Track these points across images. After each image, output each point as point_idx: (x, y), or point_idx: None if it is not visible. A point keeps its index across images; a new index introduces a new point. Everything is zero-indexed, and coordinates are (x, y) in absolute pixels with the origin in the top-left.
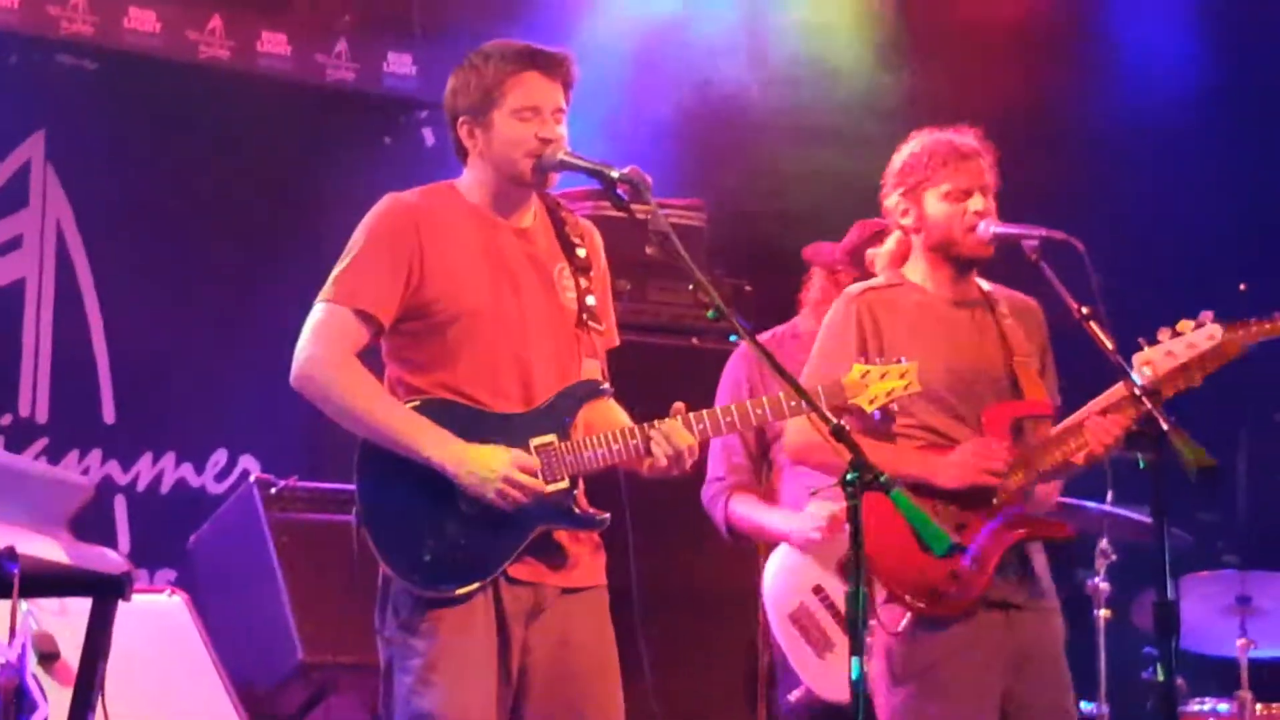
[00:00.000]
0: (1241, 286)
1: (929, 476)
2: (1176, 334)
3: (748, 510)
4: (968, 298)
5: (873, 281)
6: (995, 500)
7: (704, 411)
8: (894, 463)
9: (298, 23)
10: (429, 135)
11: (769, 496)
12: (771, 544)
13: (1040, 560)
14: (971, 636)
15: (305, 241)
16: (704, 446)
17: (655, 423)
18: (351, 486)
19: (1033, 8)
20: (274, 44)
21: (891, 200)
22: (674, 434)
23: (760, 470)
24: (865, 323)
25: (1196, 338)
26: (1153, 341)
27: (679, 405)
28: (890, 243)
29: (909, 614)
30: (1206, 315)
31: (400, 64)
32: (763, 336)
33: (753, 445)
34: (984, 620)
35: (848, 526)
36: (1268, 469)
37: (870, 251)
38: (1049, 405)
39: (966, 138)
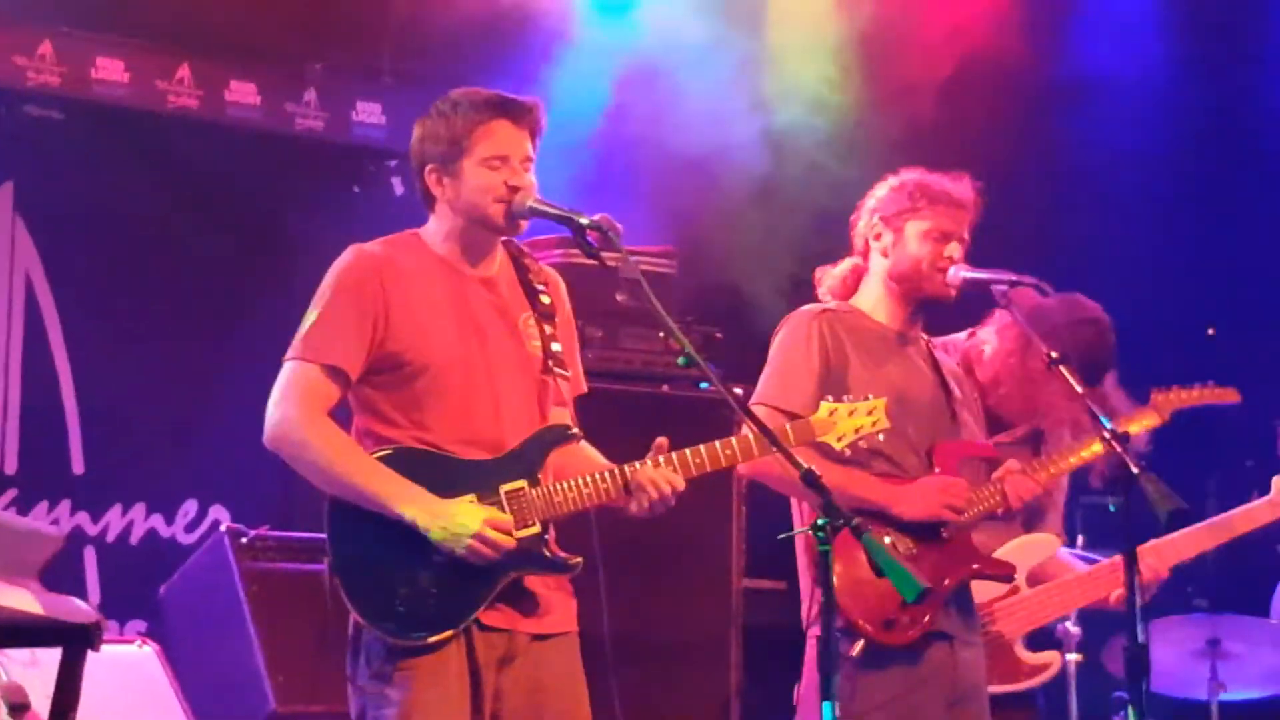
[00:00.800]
0: (1210, 331)
1: (889, 505)
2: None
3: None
4: (913, 336)
5: (828, 304)
6: (945, 534)
7: (673, 454)
8: (853, 487)
9: (266, 72)
10: (398, 184)
11: None
12: None
13: (970, 594)
14: (919, 673)
15: (275, 291)
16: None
17: (641, 464)
18: (323, 536)
19: (998, 47)
20: (243, 93)
21: (868, 222)
22: (665, 477)
23: None
24: (827, 340)
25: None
26: None
27: (661, 442)
28: (844, 266)
29: (862, 641)
30: None
31: (369, 113)
32: None
33: None
34: (930, 653)
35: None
36: None
37: (819, 269)
38: (994, 449)
39: (964, 186)
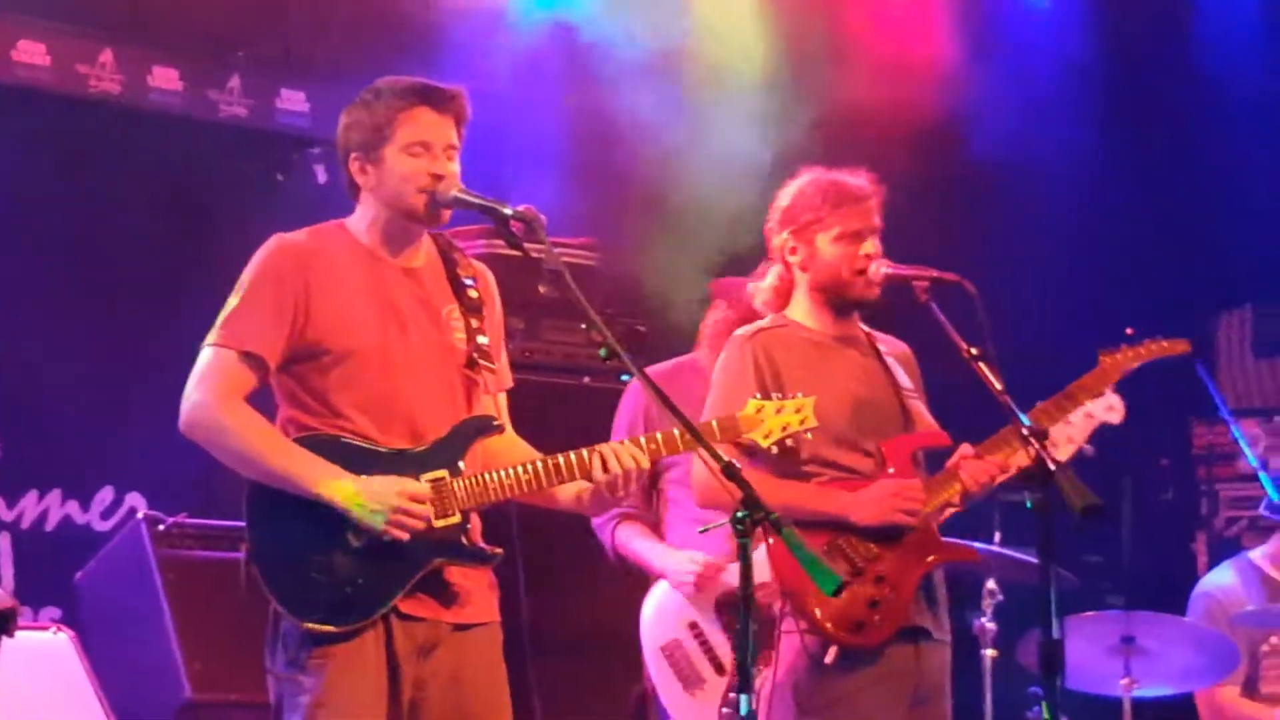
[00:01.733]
0: (1129, 330)
1: (844, 514)
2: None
3: (632, 541)
4: (851, 336)
5: (761, 323)
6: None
7: (597, 446)
8: (807, 501)
9: (190, 58)
10: (321, 172)
11: (657, 526)
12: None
13: (943, 591)
14: (882, 671)
15: (196, 277)
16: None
17: (602, 446)
18: (241, 523)
19: (924, 41)
20: (166, 79)
21: (780, 238)
22: (623, 455)
23: (651, 497)
24: (762, 362)
25: (1095, 408)
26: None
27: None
28: (771, 277)
29: (835, 647)
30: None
31: (293, 101)
32: (661, 367)
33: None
34: (894, 651)
35: (733, 566)
36: (1152, 512)
37: (751, 286)
38: (946, 437)
39: (858, 179)
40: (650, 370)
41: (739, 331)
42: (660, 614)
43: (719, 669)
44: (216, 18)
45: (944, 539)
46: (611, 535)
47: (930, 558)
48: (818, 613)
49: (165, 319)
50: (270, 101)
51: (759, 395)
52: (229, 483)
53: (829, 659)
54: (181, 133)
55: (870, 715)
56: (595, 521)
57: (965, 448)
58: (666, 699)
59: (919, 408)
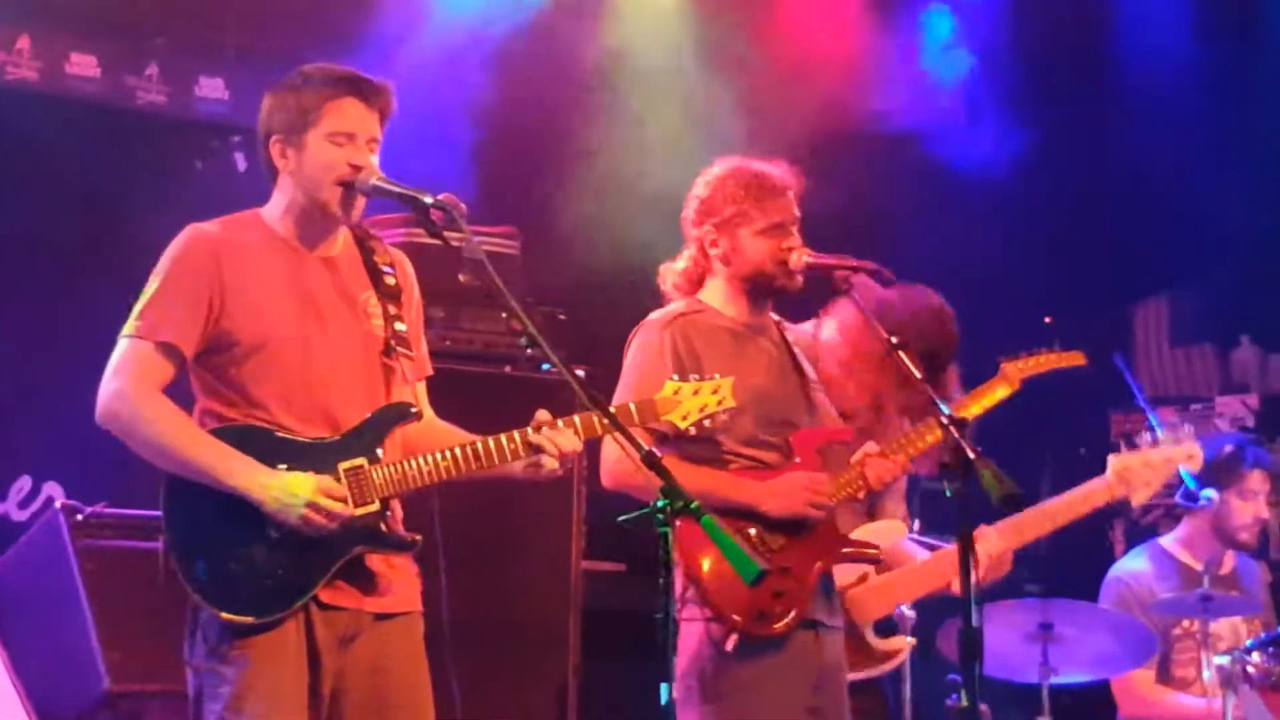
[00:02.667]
0: (1047, 319)
1: (754, 503)
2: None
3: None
4: (763, 324)
5: (675, 307)
6: (807, 520)
7: (514, 432)
8: (719, 489)
9: (108, 45)
10: (241, 160)
11: None
12: None
13: (834, 581)
14: (784, 659)
15: (114, 266)
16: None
17: (539, 427)
18: (156, 513)
19: (841, 33)
20: (83, 66)
21: (701, 231)
22: (560, 438)
23: None
24: (681, 349)
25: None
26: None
27: (541, 413)
28: (684, 261)
29: (736, 635)
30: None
31: (212, 88)
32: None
33: None
34: (796, 639)
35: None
36: None
37: (663, 268)
38: (850, 432)
39: (777, 170)
40: None
41: (656, 314)
42: None
43: None
44: (134, 5)
45: (846, 535)
46: None
47: (833, 552)
48: (722, 601)
49: (83, 307)
50: (189, 89)
51: (676, 377)
52: (147, 473)
53: (729, 646)
54: (99, 120)
55: (774, 702)
56: None
57: (870, 445)
58: None
59: (823, 400)
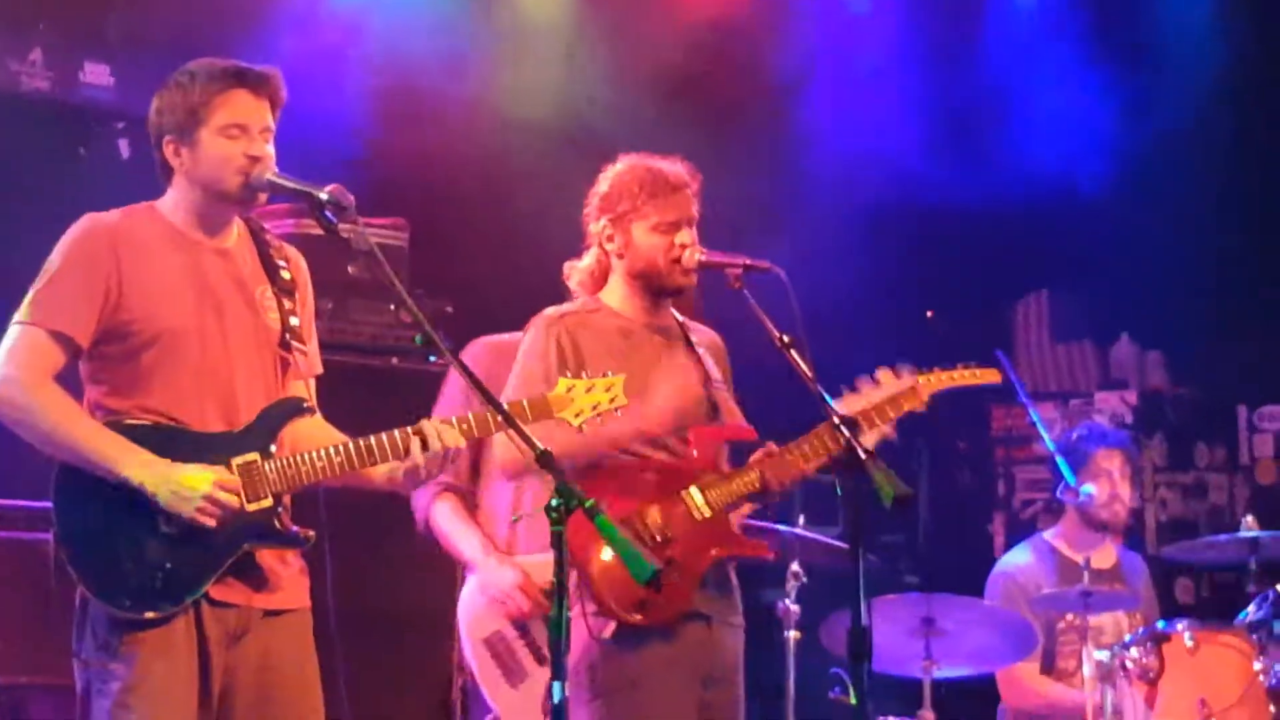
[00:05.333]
0: (929, 313)
1: (642, 425)
2: (876, 383)
3: (448, 521)
4: (664, 324)
5: (568, 306)
6: (699, 516)
7: (410, 428)
8: (601, 432)
9: None
10: (125, 147)
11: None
12: None
13: (733, 576)
14: (673, 653)
15: None
16: None
17: (422, 425)
18: (43, 504)
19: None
20: None
21: (597, 225)
22: (445, 434)
23: (475, 470)
24: (565, 345)
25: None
26: (852, 389)
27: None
28: (589, 259)
29: (614, 623)
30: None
31: (97, 74)
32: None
33: (474, 451)
34: (686, 633)
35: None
36: (949, 494)
37: (568, 265)
38: (752, 431)
39: (676, 167)
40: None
41: (547, 312)
42: (481, 605)
43: (540, 660)
44: None
45: (737, 533)
46: (428, 508)
47: (719, 549)
48: (604, 592)
49: None
50: (74, 74)
51: (569, 375)
52: (27, 462)
53: (606, 634)
54: None
55: (662, 695)
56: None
57: (770, 446)
58: (489, 690)
59: (727, 400)
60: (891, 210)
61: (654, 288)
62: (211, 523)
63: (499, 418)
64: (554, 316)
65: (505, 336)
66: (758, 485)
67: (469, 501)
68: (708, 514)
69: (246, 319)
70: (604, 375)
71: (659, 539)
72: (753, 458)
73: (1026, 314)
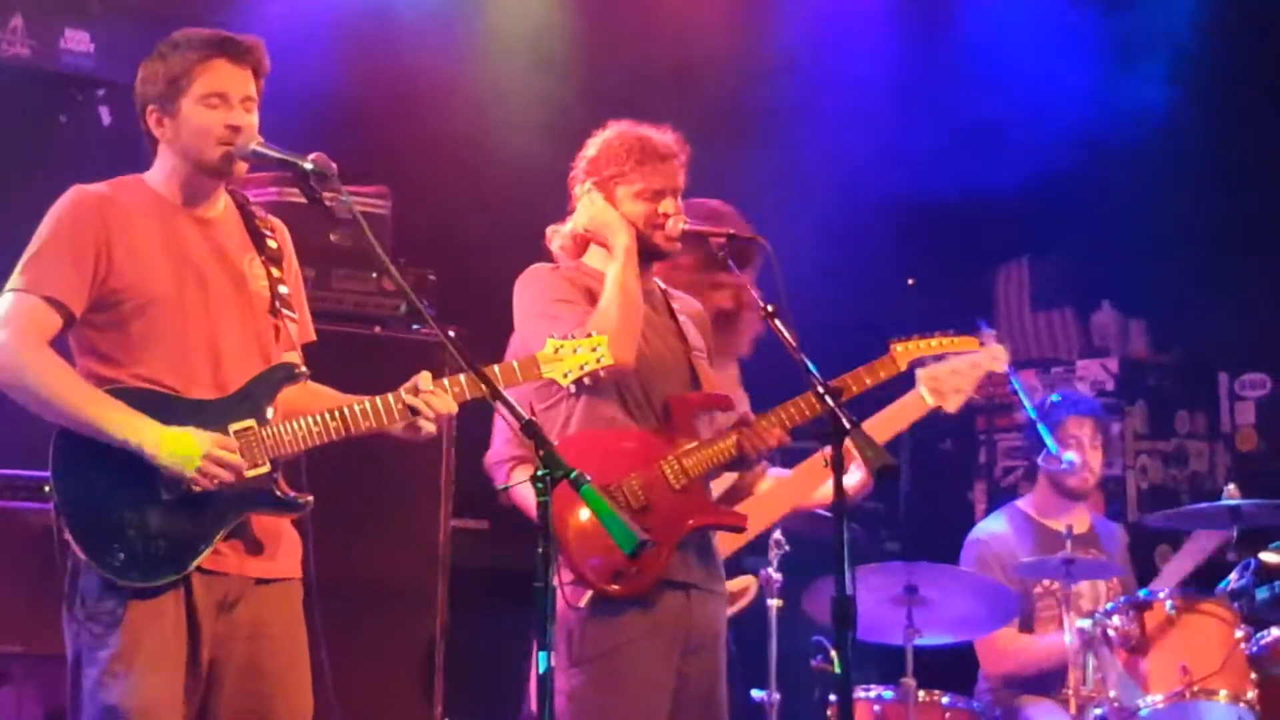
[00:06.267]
0: (910, 281)
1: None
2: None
3: (529, 490)
4: (646, 289)
5: (560, 263)
6: (677, 484)
7: (400, 391)
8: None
9: None
10: (106, 114)
11: None
12: None
13: (715, 544)
14: (652, 621)
15: None
16: None
17: (411, 397)
18: (31, 473)
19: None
20: None
21: (582, 188)
22: (434, 402)
23: None
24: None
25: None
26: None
27: (425, 374)
28: (571, 223)
29: (590, 592)
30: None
31: (78, 41)
32: None
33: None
34: (665, 601)
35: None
36: (931, 461)
37: (550, 229)
38: (729, 400)
39: (666, 137)
40: None
41: (539, 266)
42: None
43: None
44: None
45: (713, 503)
46: (506, 476)
47: (696, 518)
48: (578, 559)
49: None
50: (54, 42)
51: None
52: (20, 432)
53: (582, 604)
54: None
55: (641, 664)
56: (490, 460)
57: (747, 415)
58: None
59: (705, 368)
60: (873, 181)
61: (641, 252)
62: (211, 485)
63: (486, 387)
64: (549, 267)
65: None
66: (734, 453)
67: None
68: (684, 482)
69: (232, 287)
70: (589, 335)
71: (636, 508)
72: (729, 425)
73: (1007, 281)
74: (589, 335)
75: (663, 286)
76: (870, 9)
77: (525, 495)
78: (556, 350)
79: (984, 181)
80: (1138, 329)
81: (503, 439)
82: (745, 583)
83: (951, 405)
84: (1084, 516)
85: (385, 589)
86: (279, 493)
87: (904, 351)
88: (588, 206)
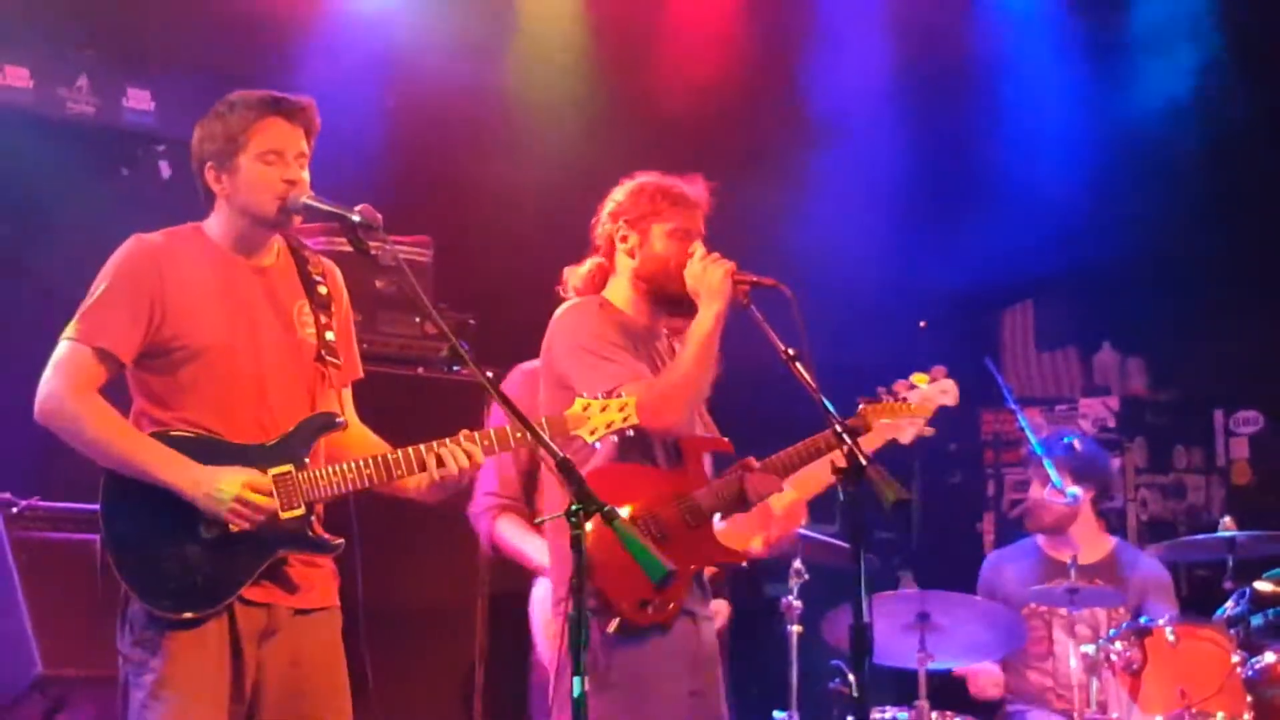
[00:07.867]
0: (922, 324)
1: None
2: (913, 386)
3: (511, 535)
4: (657, 331)
5: (591, 298)
6: (691, 521)
7: (433, 443)
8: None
9: (39, 56)
10: (165, 167)
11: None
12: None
13: (704, 574)
14: (669, 645)
15: (41, 270)
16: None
17: (447, 442)
18: (90, 506)
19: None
20: (15, 77)
21: (612, 225)
22: (458, 455)
23: (529, 488)
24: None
25: (933, 392)
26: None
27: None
28: (589, 266)
29: (618, 619)
30: (939, 370)
31: (139, 99)
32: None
33: (524, 462)
34: (677, 628)
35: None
36: (941, 494)
37: (567, 270)
38: (730, 445)
39: (698, 186)
40: None
41: (576, 300)
42: (550, 607)
43: None
44: (65, 18)
45: (719, 541)
46: (490, 527)
47: (706, 554)
48: (609, 590)
49: (11, 310)
50: (117, 100)
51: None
52: (75, 467)
53: (610, 629)
54: (31, 128)
55: (662, 686)
56: (472, 511)
57: (750, 461)
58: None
59: (704, 413)
60: (886, 224)
61: (660, 290)
62: (245, 525)
63: (519, 434)
64: (599, 302)
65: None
66: (739, 497)
67: (527, 511)
68: (698, 519)
69: (281, 334)
70: (618, 395)
71: (660, 542)
72: (733, 470)
73: (1013, 322)
74: (618, 395)
75: (667, 334)
76: (881, 63)
77: (511, 541)
78: (585, 409)
79: (992, 228)
80: (1136, 368)
81: (481, 490)
82: (719, 606)
83: (906, 436)
84: (1104, 544)
85: (427, 613)
86: (312, 534)
87: (872, 411)
88: (695, 264)
